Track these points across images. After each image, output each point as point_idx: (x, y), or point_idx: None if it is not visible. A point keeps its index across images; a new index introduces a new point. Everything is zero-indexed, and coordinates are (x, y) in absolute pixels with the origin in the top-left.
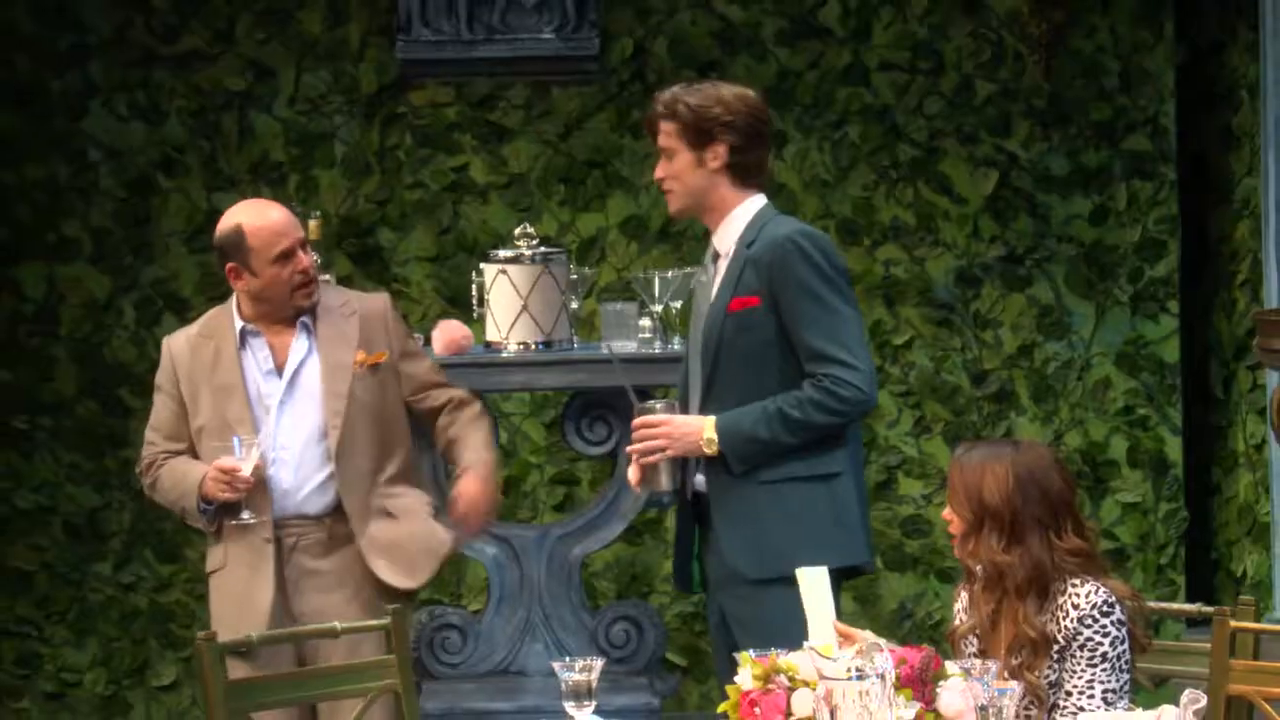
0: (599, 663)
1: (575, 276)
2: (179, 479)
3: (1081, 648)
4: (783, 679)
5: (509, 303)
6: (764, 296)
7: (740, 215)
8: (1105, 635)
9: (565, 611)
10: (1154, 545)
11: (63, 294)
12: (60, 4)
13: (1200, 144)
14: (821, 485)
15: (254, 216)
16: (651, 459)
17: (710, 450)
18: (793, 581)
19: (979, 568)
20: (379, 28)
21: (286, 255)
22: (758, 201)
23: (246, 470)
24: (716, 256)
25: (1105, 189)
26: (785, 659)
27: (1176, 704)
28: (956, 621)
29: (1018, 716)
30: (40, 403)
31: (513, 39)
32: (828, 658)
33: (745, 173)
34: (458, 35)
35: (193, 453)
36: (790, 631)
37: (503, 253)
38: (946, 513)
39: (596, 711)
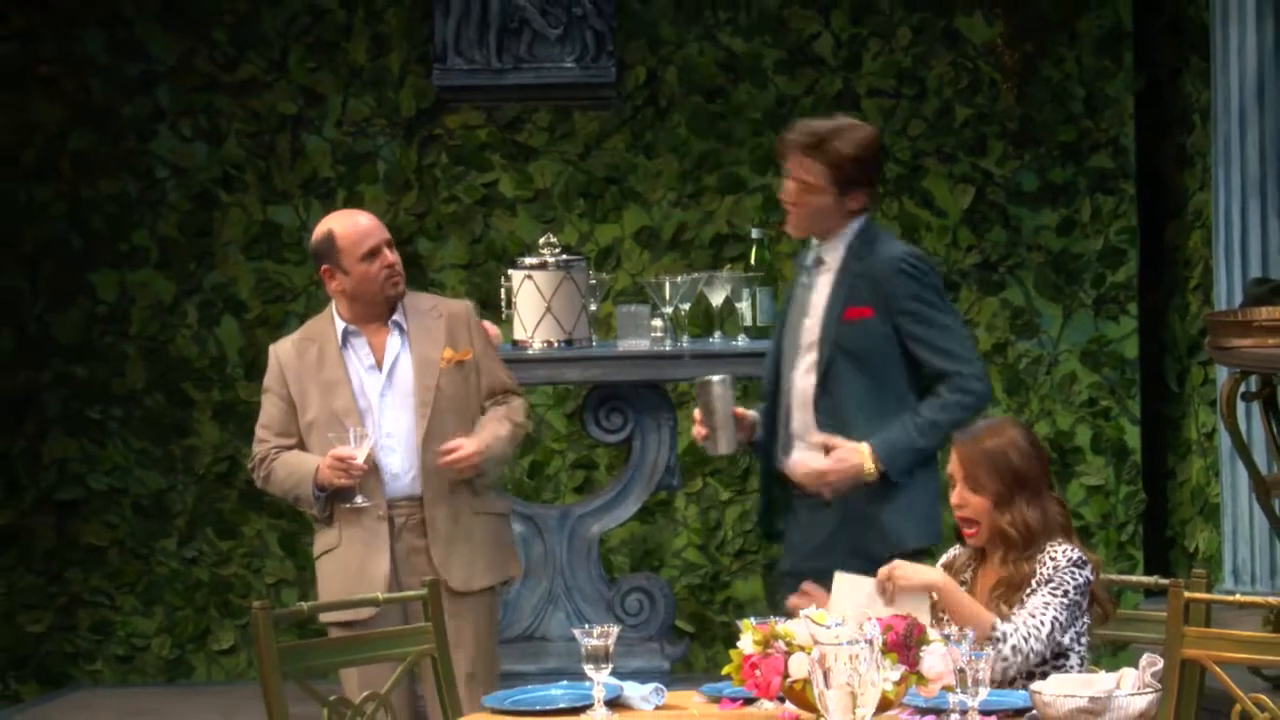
0: (615, 629)
1: (594, 281)
2: (293, 469)
3: (1048, 582)
4: (781, 644)
5: (534, 305)
6: (877, 309)
7: (850, 230)
8: (1073, 580)
9: (584, 583)
10: (1115, 524)
11: (133, 297)
12: (131, 36)
13: (1157, 162)
14: (927, 471)
15: (342, 222)
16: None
17: (871, 478)
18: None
19: (997, 534)
20: (418, 57)
21: (373, 252)
22: (864, 216)
23: (360, 458)
24: (819, 262)
25: (1071, 203)
26: (783, 626)
27: (1135, 667)
28: (934, 595)
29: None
30: (112, 395)
31: (538, 68)
32: (821, 625)
33: (871, 196)
34: (488, 64)
35: (301, 447)
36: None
37: (529, 260)
38: (957, 498)
39: (612, 673)
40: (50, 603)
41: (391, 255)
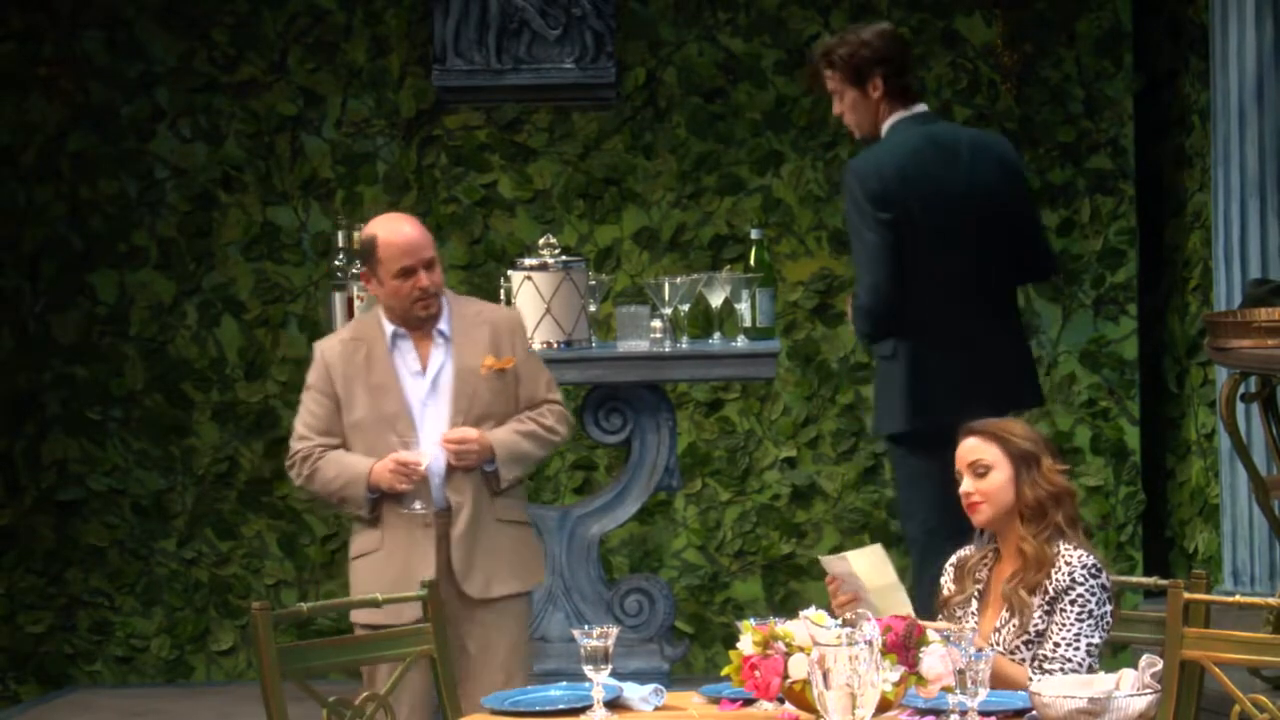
0: (614, 630)
1: (593, 282)
2: (343, 469)
3: (1072, 603)
4: (780, 645)
5: (534, 306)
6: None
7: (883, 130)
8: (1093, 594)
9: (584, 584)
10: (1114, 524)
11: (132, 298)
12: (130, 37)
13: (1156, 163)
14: (886, 364)
15: (388, 231)
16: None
17: None
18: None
19: (1004, 511)
20: (417, 58)
21: (408, 272)
22: (904, 112)
23: (424, 464)
24: None
25: (1071, 203)
26: (782, 627)
27: (1135, 667)
28: (946, 592)
29: (1012, 653)
30: (112, 395)
31: (537, 68)
32: (821, 626)
33: (901, 95)
34: (488, 65)
35: (344, 447)
36: None
37: (528, 261)
38: (965, 485)
39: (612, 674)
40: (50, 603)
41: (427, 278)
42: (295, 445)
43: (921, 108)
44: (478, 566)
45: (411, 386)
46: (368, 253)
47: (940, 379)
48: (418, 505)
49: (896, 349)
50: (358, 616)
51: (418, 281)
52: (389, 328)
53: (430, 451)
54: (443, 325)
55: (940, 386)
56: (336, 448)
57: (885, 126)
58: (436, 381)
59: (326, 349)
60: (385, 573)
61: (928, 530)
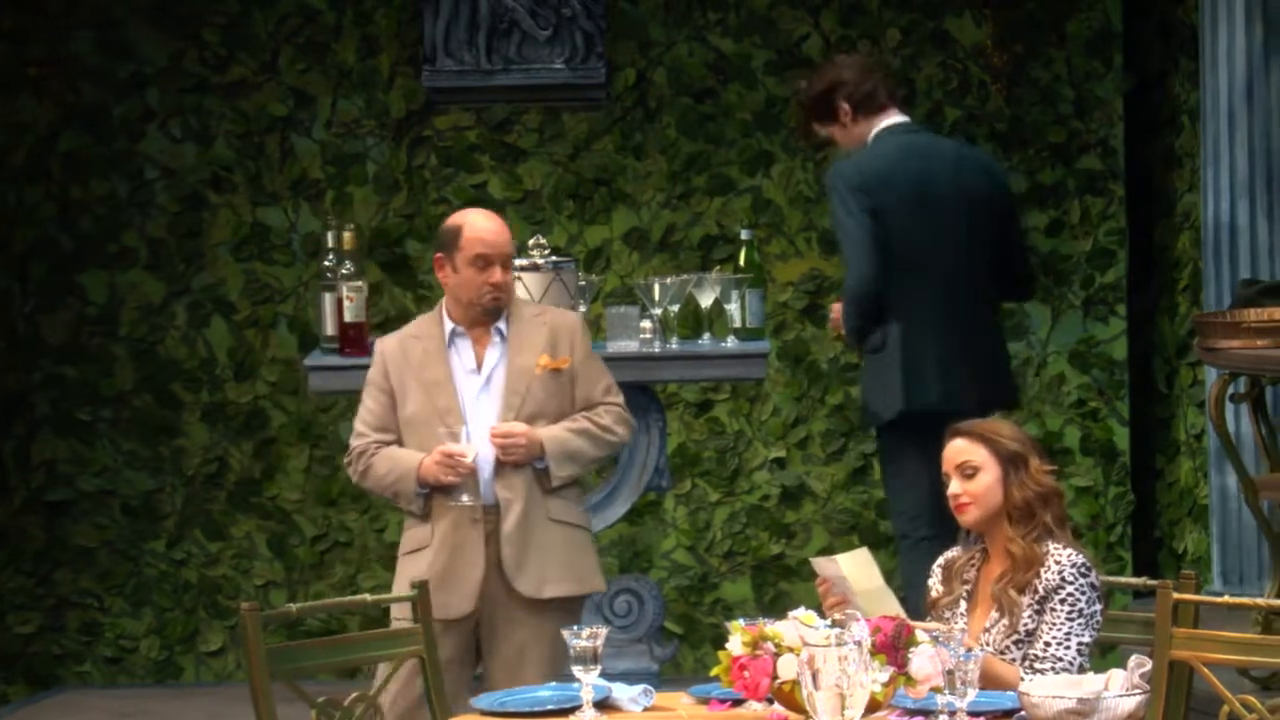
0: (604, 631)
1: (583, 283)
2: (395, 464)
3: (1062, 602)
4: (769, 645)
5: None
6: None
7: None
8: (1083, 593)
9: None
10: (1104, 525)
11: (122, 298)
12: (121, 37)
13: (1146, 164)
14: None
15: (476, 222)
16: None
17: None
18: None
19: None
20: (407, 59)
21: (485, 263)
22: (885, 121)
23: (470, 457)
24: None
25: (1060, 204)
26: (772, 627)
27: (1124, 668)
28: (934, 593)
29: (1002, 653)
30: (101, 396)
31: (527, 69)
32: (810, 626)
33: (869, 107)
34: (478, 66)
35: (399, 443)
36: None
37: (518, 261)
38: (954, 486)
39: (601, 674)
40: (39, 604)
41: (501, 275)
42: (353, 442)
43: (902, 118)
44: (530, 565)
45: (465, 383)
46: (450, 238)
47: (933, 363)
48: (465, 498)
49: (886, 338)
50: (399, 612)
51: (492, 275)
52: (448, 325)
53: (478, 445)
54: (501, 325)
55: (933, 370)
56: (390, 443)
57: (870, 138)
58: (490, 379)
59: (386, 345)
60: (432, 567)
61: (911, 519)
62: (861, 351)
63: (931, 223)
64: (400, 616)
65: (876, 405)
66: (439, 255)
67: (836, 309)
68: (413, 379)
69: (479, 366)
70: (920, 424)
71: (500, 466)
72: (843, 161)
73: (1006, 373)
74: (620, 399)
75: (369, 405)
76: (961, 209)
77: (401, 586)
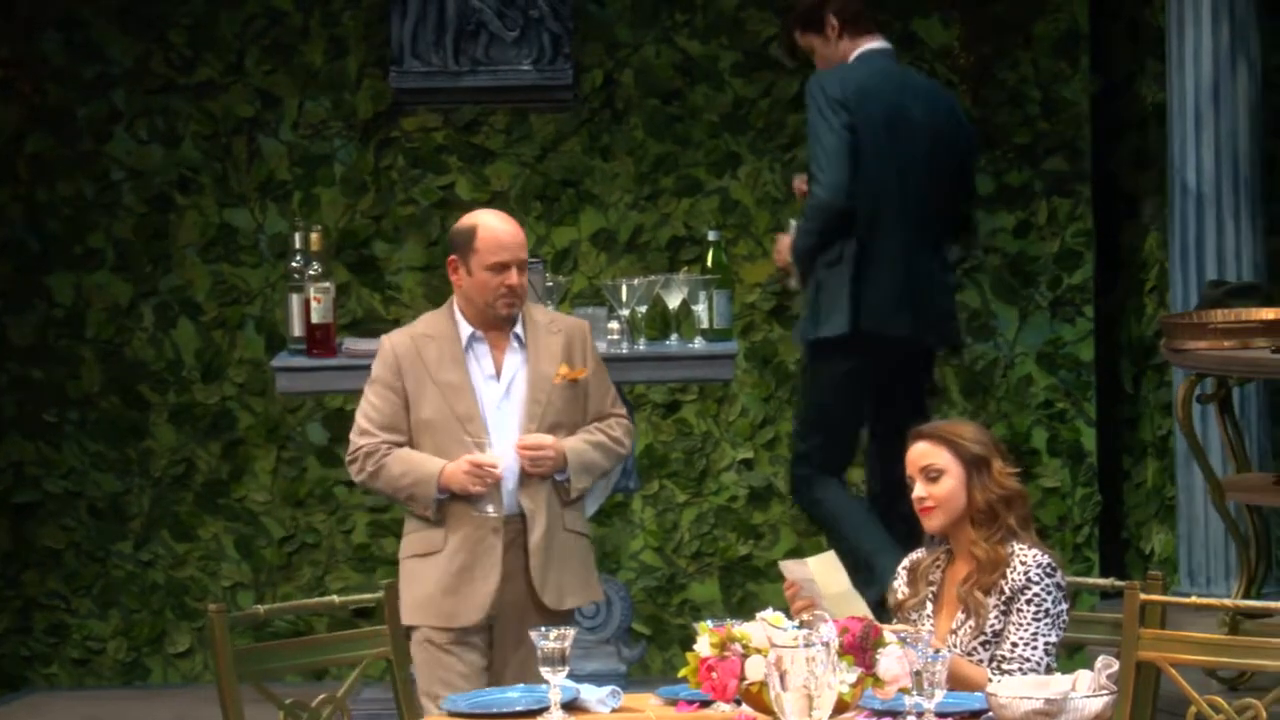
0: (572, 632)
1: (551, 284)
2: (411, 468)
3: (1029, 603)
4: (737, 647)
5: None
6: None
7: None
8: (1049, 594)
9: None
10: (1071, 526)
11: (89, 300)
12: (87, 38)
13: (1113, 165)
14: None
15: (489, 225)
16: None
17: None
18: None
19: (957, 515)
20: (375, 60)
21: (501, 267)
22: (868, 45)
23: (500, 467)
24: None
25: (1028, 205)
26: (739, 628)
27: (1091, 668)
28: (900, 595)
29: (969, 654)
30: (68, 398)
31: (495, 70)
32: (778, 628)
33: (856, 27)
34: (445, 67)
35: (410, 444)
36: None
37: None
38: (918, 490)
39: (569, 676)
40: (6, 606)
41: (516, 278)
42: (358, 440)
43: (885, 44)
44: (552, 576)
45: (485, 390)
46: (464, 241)
47: (886, 287)
48: (490, 509)
49: (843, 253)
50: (410, 619)
51: (507, 279)
52: (465, 328)
53: (503, 456)
54: (518, 331)
55: (883, 293)
56: (401, 444)
57: (852, 58)
58: (511, 387)
59: (396, 343)
60: (446, 575)
61: (821, 447)
62: (808, 272)
63: (901, 151)
64: (421, 624)
65: (823, 320)
66: (452, 258)
67: (783, 238)
68: (427, 380)
69: (498, 373)
70: (862, 345)
71: (525, 477)
72: (824, 73)
73: (952, 314)
74: (625, 409)
75: (376, 404)
76: (930, 143)
77: (413, 591)
